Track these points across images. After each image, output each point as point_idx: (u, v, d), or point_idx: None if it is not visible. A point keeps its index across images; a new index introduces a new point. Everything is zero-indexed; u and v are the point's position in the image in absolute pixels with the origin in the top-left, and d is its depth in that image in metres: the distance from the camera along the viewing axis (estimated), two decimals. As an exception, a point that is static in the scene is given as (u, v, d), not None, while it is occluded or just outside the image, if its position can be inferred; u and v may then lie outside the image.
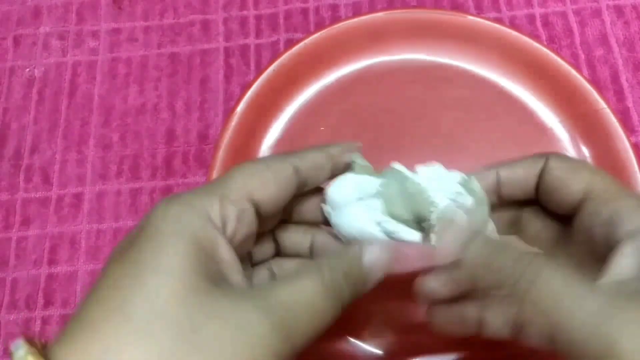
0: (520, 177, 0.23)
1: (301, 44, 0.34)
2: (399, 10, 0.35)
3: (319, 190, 0.24)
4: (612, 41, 0.36)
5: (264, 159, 0.23)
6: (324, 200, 0.24)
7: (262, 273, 0.24)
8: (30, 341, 0.16)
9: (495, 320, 0.21)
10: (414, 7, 0.37)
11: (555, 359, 0.19)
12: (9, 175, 0.35)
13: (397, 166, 0.23)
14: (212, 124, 0.35)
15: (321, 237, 0.24)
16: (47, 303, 0.31)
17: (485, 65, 0.34)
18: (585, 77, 0.33)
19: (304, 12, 0.38)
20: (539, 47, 0.33)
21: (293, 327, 0.18)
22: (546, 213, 0.23)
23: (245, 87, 0.33)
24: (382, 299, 0.28)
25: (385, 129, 0.33)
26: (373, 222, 0.22)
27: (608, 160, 0.31)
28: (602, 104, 0.32)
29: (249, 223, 0.20)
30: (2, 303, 0.32)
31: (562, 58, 0.33)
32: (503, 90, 0.34)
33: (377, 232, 0.22)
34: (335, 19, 0.37)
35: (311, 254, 0.24)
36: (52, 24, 0.39)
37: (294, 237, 0.24)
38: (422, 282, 0.21)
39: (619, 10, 0.37)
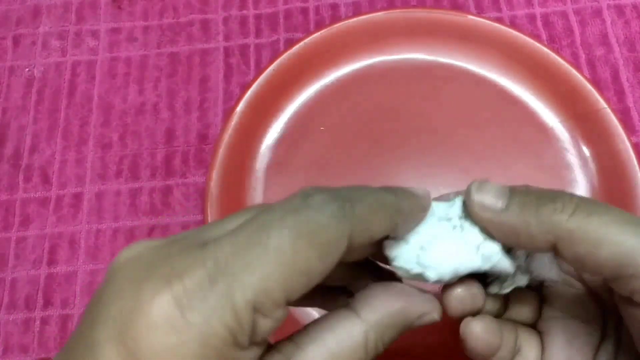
0: None
1: (301, 44, 0.34)
2: (399, 10, 0.35)
3: None
4: (613, 41, 0.36)
5: (312, 226, 0.15)
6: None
7: None
8: None
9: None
10: (414, 6, 0.37)
11: None
12: (9, 175, 0.35)
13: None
14: (212, 124, 0.35)
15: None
16: (47, 303, 0.31)
17: (486, 65, 0.34)
18: (585, 77, 0.33)
19: (304, 11, 0.38)
20: (539, 47, 0.33)
21: None
22: None
23: (245, 87, 0.33)
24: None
25: (385, 129, 0.33)
26: (474, 248, 0.18)
27: (608, 160, 0.31)
28: (602, 103, 0.32)
29: (281, 322, 0.15)
30: (1, 303, 0.32)
31: (563, 58, 0.33)
32: (503, 90, 0.34)
33: (477, 262, 0.18)
34: (335, 19, 0.37)
35: None
36: (52, 24, 0.38)
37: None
38: (468, 326, 0.19)
39: (619, 9, 0.37)
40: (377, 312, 0.17)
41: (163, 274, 0.14)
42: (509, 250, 0.19)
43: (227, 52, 0.37)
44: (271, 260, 0.14)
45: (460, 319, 0.19)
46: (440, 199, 0.21)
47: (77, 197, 0.34)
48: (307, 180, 0.32)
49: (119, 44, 0.38)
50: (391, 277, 0.20)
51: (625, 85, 0.35)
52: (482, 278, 0.20)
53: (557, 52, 0.34)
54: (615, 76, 0.35)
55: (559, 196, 0.17)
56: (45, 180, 0.34)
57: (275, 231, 0.15)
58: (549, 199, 0.17)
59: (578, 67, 0.34)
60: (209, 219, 0.30)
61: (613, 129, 0.31)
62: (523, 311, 0.21)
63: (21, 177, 0.34)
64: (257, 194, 0.32)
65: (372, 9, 0.37)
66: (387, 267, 0.19)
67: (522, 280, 0.19)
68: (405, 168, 0.32)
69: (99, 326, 0.14)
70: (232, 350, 0.14)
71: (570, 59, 0.35)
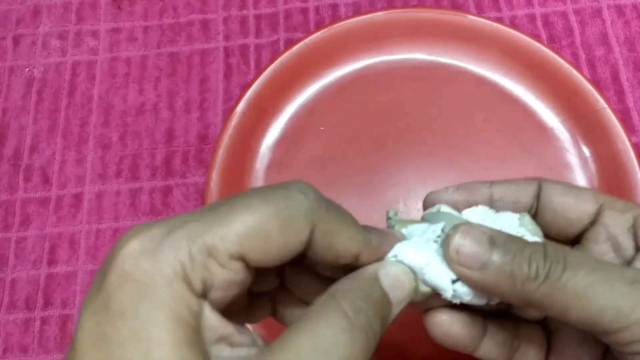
0: (513, 197, 0.21)
1: (301, 44, 0.34)
2: (399, 10, 0.35)
3: None
4: (613, 41, 0.36)
5: (282, 203, 0.16)
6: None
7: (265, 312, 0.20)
8: None
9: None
10: (414, 6, 0.36)
11: None
12: (9, 175, 0.34)
13: (445, 208, 0.20)
14: (212, 124, 0.35)
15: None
16: (47, 303, 0.31)
17: (486, 65, 0.34)
18: (585, 77, 0.33)
19: (304, 11, 0.38)
20: (539, 47, 0.33)
21: None
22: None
23: (245, 87, 0.33)
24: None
25: (385, 129, 0.33)
26: (449, 280, 0.18)
27: (609, 160, 0.31)
28: (602, 103, 0.32)
29: (240, 283, 0.16)
30: (1, 303, 0.32)
31: (563, 58, 0.33)
32: (503, 90, 0.34)
33: (449, 291, 0.18)
34: (335, 19, 0.37)
35: None
36: (52, 24, 0.38)
37: (307, 284, 0.20)
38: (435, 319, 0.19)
39: (619, 9, 0.37)
40: (349, 287, 0.17)
41: (138, 229, 0.16)
42: None
43: (227, 52, 0.37)
44: (234, 217, 0.16)
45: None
46: (434, 194, 0.21)
47: (77, 197, 0.34)
48: (307, 180, 0.32)
49: (119, 44, 0.38)
50: None
51: (625, 85, 0.35)
52: None
53: (557, 52, 0.34)
54: (615, 76, 0.35)
55: (534, 258, 0.17)
56: (45, 180, 0.34)
57: (247, 197, 0.16)
58: (525, 263, 0.17)
59: (578, 67, 0.34)
60: (209, 219, 0.30)
61: (613, 129, 0.31)
62: (527, 310, 0.21)
63: (21, 177, 0.34)
64: (257, 194, 0.32)
65: (372, 9, 0.37)
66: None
67: None
68: (405, 168, 0.32)
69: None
70: (185, 288, 0.15)
71: (570, 59, 0.35)
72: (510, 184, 0.22)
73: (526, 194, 0.21)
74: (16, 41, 0.38)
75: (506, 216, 0.20)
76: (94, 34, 0.38)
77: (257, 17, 0.38)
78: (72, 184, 0.34)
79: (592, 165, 0.32)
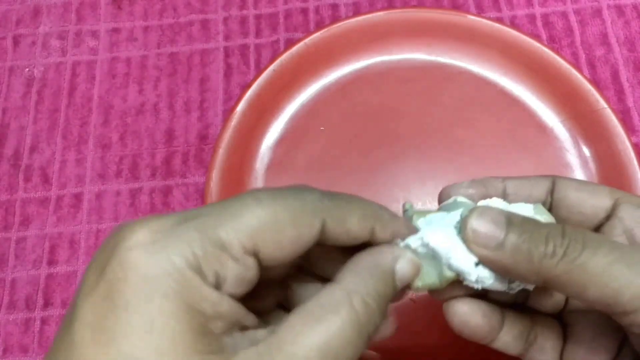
0: (526, 191, 0.21)
1: (301, 44, 0.34)
2: (399, 10, 0.35)
3: None
4: (613, 41, 0.36)
5: (290, 198, 0.16)
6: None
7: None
8: None
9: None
10: (414, 6, 0.36)
11: None
12: (8, 175, 0.34)
13: (461, 198, 0.21)
14: (212, 124, 0.35)
15: None
16: (47, 303, 0.31)
17: (486, 65, 0.34)
18: (585, 77, 0.33)
19: (304, 11, 0.38)
20: (539, 47, 0.33)
21: None
22: None
23: (245, 87, 0.33)
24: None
25: (385, 129, 0.33)
26: (472, 263, 0.18)
27: (609, 160, 0.31)
28: (602, 103, 0.32)
29: (251, 280, 0.16)
30: (1, 303, 0.32)
31: (563, 58, 0.33)
32: (504, 90, 0.34)
33: (474, 274, 0.18)
34: (336, 19, 0.37)
35: None
36: (52, 24, 0.38)
37: (308, 291, 0.20)
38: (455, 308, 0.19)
39: (619, 9, 0.37)
40: (351, 274, 0.17)
41: (144, 220, 0.15)
42: None
43: (227, 52, 0.37)
44: (247, 211, 0.16)
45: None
46: (448, 188, 0.21)
47: (77, 197, 0.34)
48: (307, 180, 0.32)
49: (119, 44, 0.38)
50: None
51: (625, 85, 0.35)
52: None
53: (557, 52, 0.34)
54: (615, 76, 0.35)
55: (551, 236, 0.17)
56: (45, 180, 0.34)
57: (257, 193, 0.16)
58: (542, 241, 0.17)
59: (578, 67, 0.34)
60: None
61: (613, 129, 0.31)
62: (543, 302, 0.21)
63: (21, 177, 0.34)
64: (257, 194, 0.32)
65: (372, 9, 0.37)
66: None
67: (529, 286, 0.20)
68: (405, 168, 0.32)
69: (82, 284, 0.15)
70: (198, 278, 0.15)
71: (571, 59, 0.35)
72: (523, 179, 0.22)
73: (539, 189, 0.21)
74: (16, 41, 0.38)
75: (520, 206, 0.20)
76: (94, 34, 0.38)
77: (257, 17, 0.38)
78: (72, 184, 0.34)
79: (592, 165, 0.32)
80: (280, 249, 0.16)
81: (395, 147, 0.33)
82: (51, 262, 0.32)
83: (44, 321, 0.31)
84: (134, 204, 0.33)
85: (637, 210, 0.20)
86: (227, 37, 0.37)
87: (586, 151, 0.32)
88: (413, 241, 0.19)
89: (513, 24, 0.36)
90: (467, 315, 0.19)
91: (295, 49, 0.34)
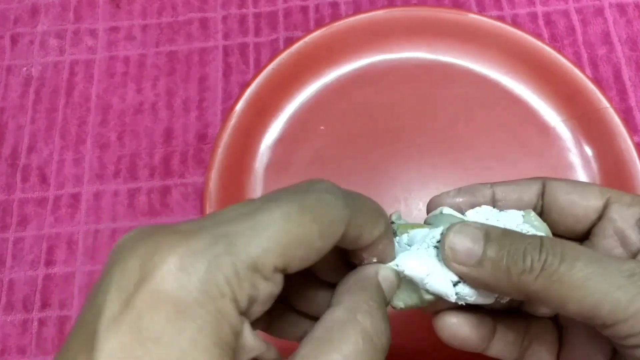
0: (515, 196, 0.21)
1: (301, 42, 0.33)
2: (399, 8, 0.34)
3: None
4: (615, 40, 0.36)
5: (317, 208, 0.16)
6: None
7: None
8: None
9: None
10: (415, 4, 0.36)
11: None
12: (6, 175, 0.34)
13: (447, 210, 0.20)
14: (211, 123, 0.35)
15: None
16: (44, 304, 0.31)
17: (487, 64, 0.34)
18: (587, 76, 0.32)
19: (304, 9, 0.37)
20: (541, 46, 0.33)
21: None
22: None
23: (244, 86, 0.33)
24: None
25: (386, 128, 0.33)
26: (450, 283, 0.18)
27: (611, 160, 0.31)
28: (604, 103, 0.32)
29: (275, 297, 0.16)
30: (-2, 304, 0.31)
31: (565, 57, 0.33)
32: (505, 89, 0.33)
33: (452, 296, 0.19)
34: (336, 17, 0.37)
35: None
36: (50, 23, 0.38)
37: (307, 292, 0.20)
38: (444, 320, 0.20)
39: (621, 8, 0.36)
40: (346, 293, 0.17)
41: (168, 240, 0.14)
42: None
43: (226, 51, 0.37)
44: (276, 227, 0.15)
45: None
46: (436, 197, 0.21)
47: (75, 197, 0.33)
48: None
49: (117, 43, 0.37)
50: None
51: (628, 84, 0.34)
52: None
53: (559, 51, 0.33)
54: (618, 75, 0.35)
55: (529, 251, 0.17)
56: (43, 180, 0.34)
57: (283, 203, 0.15)
58: (519, 256, 0.17)
59: (580, 66, 0.34)
60: (208, 220, 0.30)
61: (615, 128, 0.31)
62: (538, 307, 0.21)
63: (19, 177, 0.34)
64: (256, 194, 0.32)
65: (373, 7, 0.37)
66: None
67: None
68: (406, 168, 0.32)
69: (103, 303, 0.14)
70: (231, 307, 0.14)
71: (572, 58, 0.35)
72: (512, 183, 0.22)
73: (529, 193, 0.21)
74: (14, 40, 0.38)
75: (510, 214, 0.20)
76: (92, 33, 0.38)
77: (257, 16, 0.37)
78: (70, 184, 0.34)
79: (594, 164, 0.32)
80: (306, 261, 0.16)
81: (396, 146, 0.33)
82: (49, 263, 0.32)
83: (41, 322, 0.31)
84: (132, 205, 0.33)
85: (628, 209, 0.20)
86: (226, 36, 0.37)
87: (588, 151, 0.32)
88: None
89: (515, 23, 0.36)
90: (456, 326, 0.19)
91: (295, 47, 0.33)
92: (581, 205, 0.20)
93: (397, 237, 0.20)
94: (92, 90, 0.36)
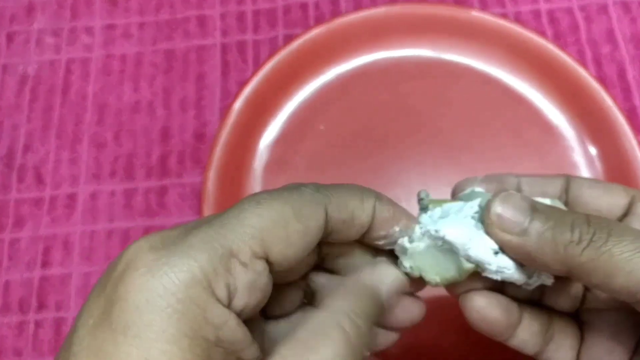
0: (541, 188, 0.21)
1: (300, 40, 0.33)
2: (400, 5, 0.34)
3: None
4: (619, 37, 0.35)
5: (287, 194, 0.16)
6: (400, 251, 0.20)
7: (283, 327, 0.20)
8: None
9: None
10: (417, 1, 0.36)
11: None
12: (2, 175, 0.34)
13: (478, 189, 0.20)
14: (209, 122, 0.34)
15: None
16: (41, 306, 0.31)
17: (490, 62, 0.34)
18: (591, 74, 0.32)
19: (304, 7, 0.37)
20: (545, 44, 0.33)
21: None
22: None
23: (243, 84, 0.33)
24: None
25: (386, 127, 0.33)
26: (491, 252, 0.18)
27: (615, 159, 0.31)
28: (608, 101, 0.31)
29: (264, 288, 0.16)
30: (-6, 306, 0.31)
31: (569, 55, 0.33)
32: (508, 87, 0.33)
33: (493, 263, 0.18)
34: (336, 14, 0.36)
35: None
36: (46, 21, 0.38)
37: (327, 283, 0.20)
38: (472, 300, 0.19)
39: (625, 6, 0.36)
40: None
41: (145, 239, 0.15)
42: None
43: (225, 49, 0.36)
44: (248, 214, 0.15)
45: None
46: (463, 181, 0.21)
47: (72, 197, 0.33)
48: (307, 180, 0.31)
49: (114, 41, 0.37)
50: None
51: (632, 83, 0.34)
52: None
53: (563, 49, 0.33)
54: (622, 74, 0.34)
55: (577, 224, 0.17)
56: (39, 180, 0.34)
57: (250, 198, 0.16)
58: (567, 228, 0.17)
59: (584, 65, 0.34)
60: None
61: (619, 127, 0.31)
62: (560, 300, 0.21)
63: (14, 177, 0.34)
64: (255, 194, 0.32)
65: (373, 4, 0.37)
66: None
67: (548, 281, 0.19)
68: (407, 167, 0.32)
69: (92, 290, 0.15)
70: (207, 295, 0.14)
71: (576, 56, 0.35)
72: (537, 177, 0.22)
73: (554, 187, 0.21)
74: (10, 38, 0.38)
75: (538, 200, 0.20)
76: (89, 31, 0.37)
77: (256, 13, 0.37)
78: (67, 184, 0.34)
79: (598, 164, 0.32)
80: (289, 246, 0.16)
81: (397, 145, 0.32)
82: (45, 264, 0.32)
83: (37, 324, 0.31)
84: (129, 205, 0.33)
85: None
86: (224, 34, 0.37)
87: (592, 150, 0.32)
88: (418, 237, 0.19)
89: (517, 20, 0.36)
90: (486, 309, 0.19)
91: (294, 45, 0.33)
92: (606, 201, 0.20)
93: (429, 212, 0.20)
94: (89, 88, 0.36)
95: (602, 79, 0.34)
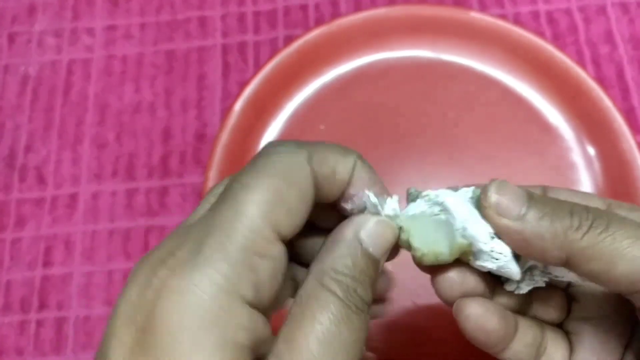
0: None
1: (300, 41, 0.33)
2: (400, 6, 0.34)
3: None
4: (617, 38, 0.35)
5: (270, 165, 0.16)
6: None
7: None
8: None
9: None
10: (416, 2, 0.36)
11: None
12: (4, 175, 0.34)
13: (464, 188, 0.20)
14: (210, 123, 0.35)
15: None
16: (42, 305, 0.31)
17: (489, 63, 0.34)
18: (590, 75, 0.32)
19: (304, 8, 0.37)
20: (543, 45, 0.33)
21: None
22: None
23: (244, 85, 0.33)
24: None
25: (386, 127, 0.33)
26: (489, 236, 0.18)
27: (613, 159, 0.31)
28: (607, 102, 0.31)
29: (283, 271, 0.16)
30: (-4, 305, 0.31)
31: (567, 56, 0.33)
32: (507, 88, 0.33)
33: (488, 243, 0.17)
34: (336, 15, 0.36)
35: None
36: (47, 21, 0.38)
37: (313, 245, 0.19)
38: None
39: (623, 6, 0.36)
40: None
41: (159, 257, 0.15)
42: (517, 256, 0.18)
43: (225, 50, 0.36)
44: (245, 203, 0.15)
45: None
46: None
47: (73, 197, 0.33)
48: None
49: (115, 42, 0.37)
50: None
51: (630, 83, 0.34)
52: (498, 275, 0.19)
53: (562, 50, 0.33)
54: (620, 74, 0.35)
55: (576, 211, 0.17)
56: (41, 180, 0.34)
57: (239, 184, 0.16)
58: (566, 214, 0.17)
59: (582, 65, 0.34)
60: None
61: (618, 128, 0.31)
62: (548, 310, 0.20)
63: (16, 177, 0.34)
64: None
65: (373, 5, 0.37)
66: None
67: (540, 282, 0.19)
68: (407, 167, 0.32)
69: (115, 319, 0.15)
70: (234, 299, 0.14)
71: (575, 57, 0.35)
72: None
73: None
74: (11, 39, 0.38)
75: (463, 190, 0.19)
76: (90, 32, 0.37)
77: (256, 14, 0.37)
78: (68, 184, 0.34)
79: (596, 164, 0.32)
80: (293, 215, 0.16)
81: (397, 146, 0.32)
82: (46, 264, 0.32)
83: (39, 323, 0.31)
84: (130, 205, 0.33)
85: (630, 214, 0.19)
86: (225, 34, 0.37)
87: (591, 150, 0.32)
88: (417, 206, 0.18)
89: (517, 21, 0.36)
90: (483, 317, 0.18)
91: (294, 46, 0.33)
92: None
93: (419, 200, 0.19)
94: (90, 89, 0.36)
95: (600, 80, 0.34)
